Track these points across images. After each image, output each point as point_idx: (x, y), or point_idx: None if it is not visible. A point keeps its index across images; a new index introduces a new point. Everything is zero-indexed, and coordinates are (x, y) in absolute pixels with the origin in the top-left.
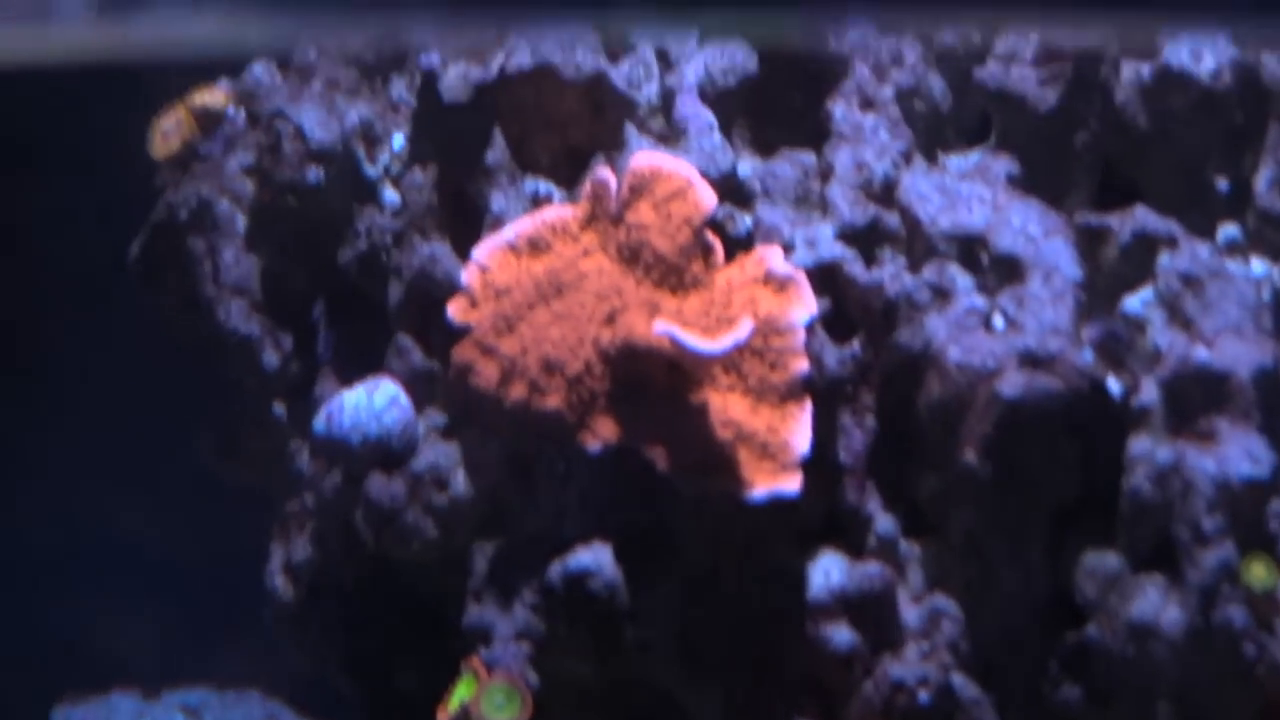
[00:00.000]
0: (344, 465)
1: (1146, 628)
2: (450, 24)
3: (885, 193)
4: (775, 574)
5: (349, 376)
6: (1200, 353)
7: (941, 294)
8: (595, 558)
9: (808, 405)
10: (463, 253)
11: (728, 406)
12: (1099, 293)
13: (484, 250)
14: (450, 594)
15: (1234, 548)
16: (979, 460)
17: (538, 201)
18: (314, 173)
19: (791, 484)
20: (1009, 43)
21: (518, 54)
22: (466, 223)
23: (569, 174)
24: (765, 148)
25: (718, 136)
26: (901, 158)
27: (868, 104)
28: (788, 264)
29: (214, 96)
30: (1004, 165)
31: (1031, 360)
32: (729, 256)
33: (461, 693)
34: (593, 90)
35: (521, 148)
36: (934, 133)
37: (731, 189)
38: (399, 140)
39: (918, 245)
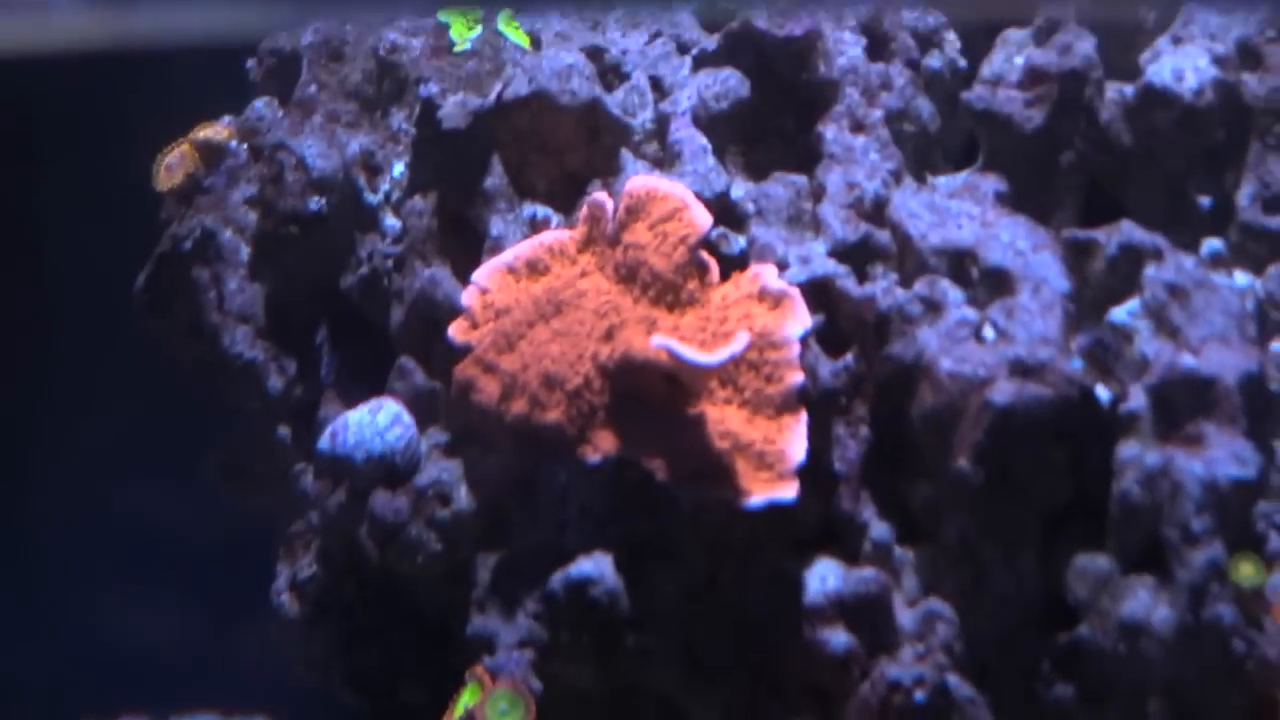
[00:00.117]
0: (348, 482)
1: (1137, 626)
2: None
3: (876, 211)
4: (773, 580)
5: (352, 398)
6: (1187, 360)
7: (933, 307)
8: (596, 566)
9: (803, 416)
10: (463, 276)
11: (725, 418)
12: (1087, 305)
13: (484, 273)
14: (454, 607)
15: (1222, 547)
16: (972, 466)
17: (536, 225)
18: (316, 202)
19: (788, 492)
20: (995, 66)
21: (515, 82)
22: (466, 247)
23: (566, 199)
24: (758, 171)
25: (711, 160)
26: (891, 177)
27: (858, 127)
28: (782, 280)
29: (217, 131)
30: (992, 184)
31: (1022, 369)
32: (724, 275)
33: (466, 700)
34: (588, 117)
35: (519, 174)
36: (923, 155)
37: (725, 210)
38: (399, 168)
39: (909, 261)
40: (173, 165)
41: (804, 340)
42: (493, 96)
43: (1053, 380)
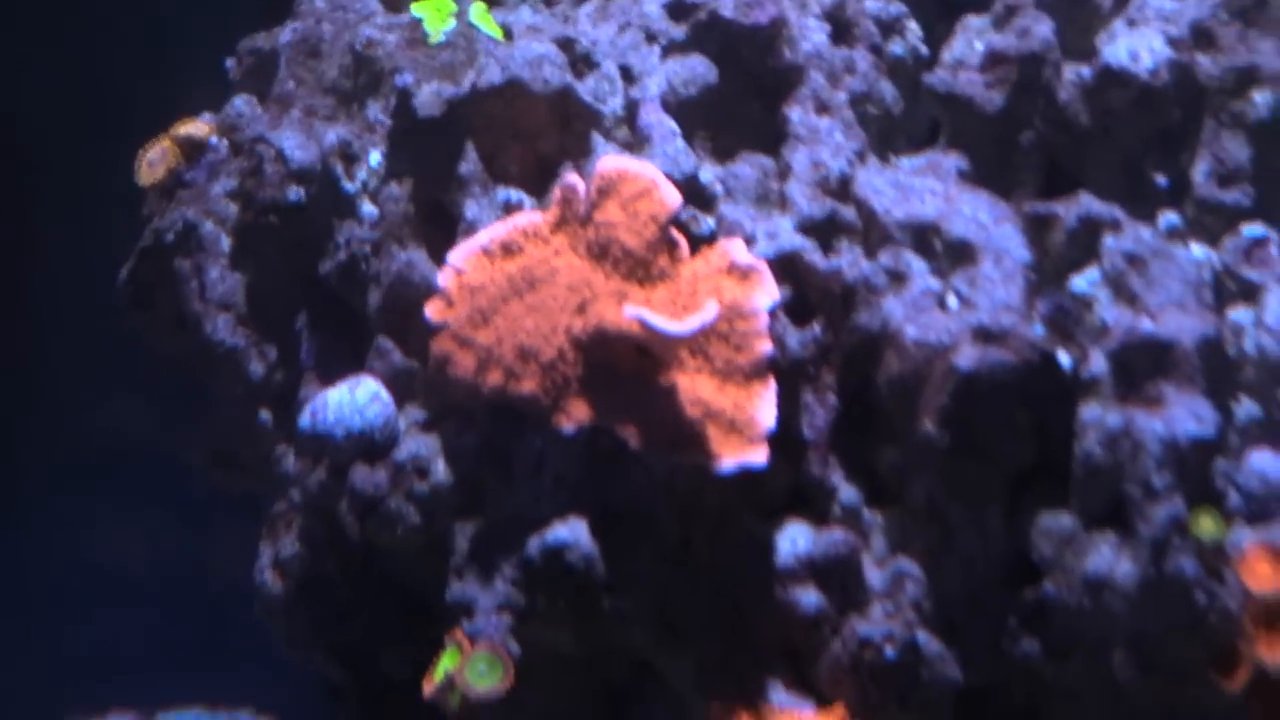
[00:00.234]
0: (328, 459)
1: (1101, 581)
2: None
3: (841, 188)
4: (745, 544)
5: (332, 381)
6: (1145, 324)
7: (897, 277)
8: (572, 532)
9: (772, 383)
10: (438, 259)
11: (696, 387)
12: (1048, 275)
13: (459, 254)
14: (434, 581)
15: (1183, 502)
16: (937, 429)
17: (510, 209)
18: (295, 192)
19: (758, 456)
20: (956, 51)
21: (488, 70)
22: (442, 232)
23: (539, 184)
24: (726, 155)
25: (680, 143)
26: (856, 156)
27: (823, 108)
28: (750, 254)
29: (197, 127)
30: (954, 161)
31: (985, 335)
32: (694, 254)
33: (445, 663)
34: (560, 103)
35: (493, 160)
36: (886, 137)
37: (694, 192)
38: (376, 157)
39: (873, 235)
40: (154, 161)
41: (772, 312)
42: (467, 85)
43: (1015, 345)
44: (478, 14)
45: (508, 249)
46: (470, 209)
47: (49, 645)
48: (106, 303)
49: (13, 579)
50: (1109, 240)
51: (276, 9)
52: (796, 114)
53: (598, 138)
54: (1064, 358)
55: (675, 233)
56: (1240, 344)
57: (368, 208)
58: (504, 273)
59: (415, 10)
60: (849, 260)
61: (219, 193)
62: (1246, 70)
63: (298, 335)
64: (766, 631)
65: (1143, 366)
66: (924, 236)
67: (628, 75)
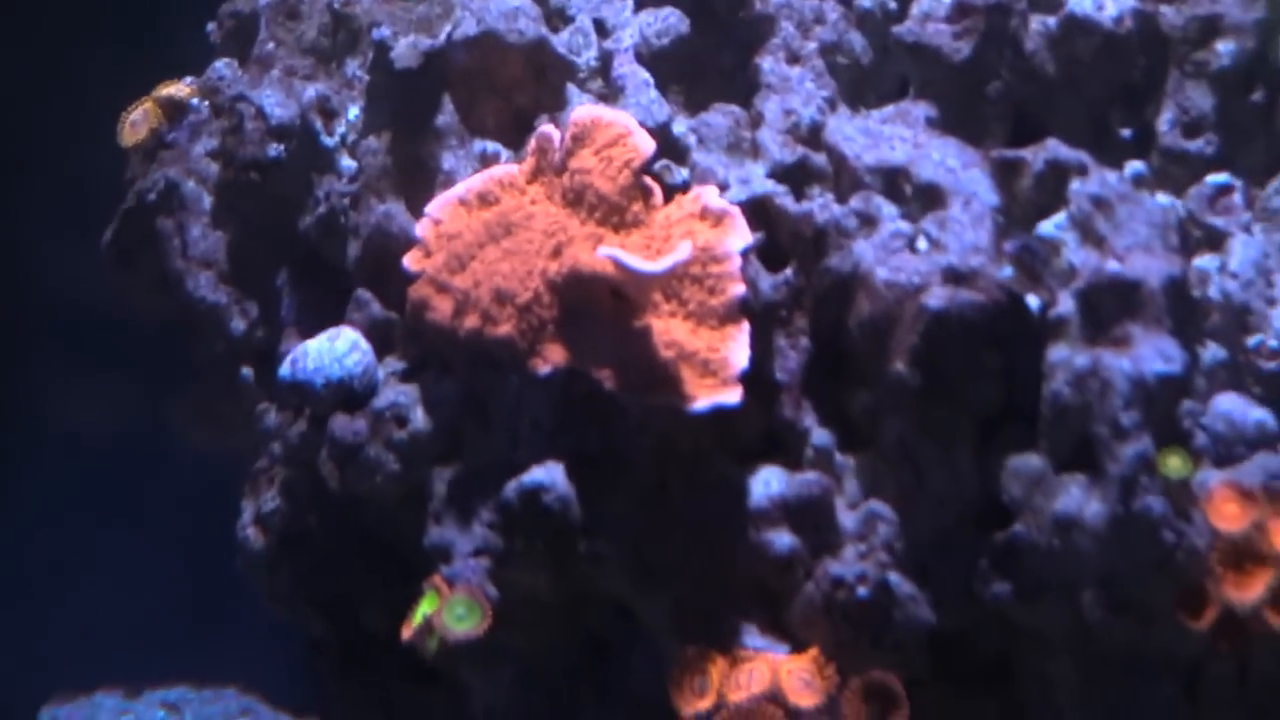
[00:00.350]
0: (309, 409)
1: (1070, 521)
2: None
3: (812, 136)
4: (719, 486)
5: (312, 336)
6: (1112, 265)
7: (868, 221)
8: (549, 474)
9: (745, 325)
10: (416, 211)
11: (670, 329)
12: (1016, 221)
13: (436, 205)
14: (413, 533)
15: (1151, 441)
16: (908, 369)
17: (486, 160)
18: (275, 148)
19: (732, 396)
20: (924, 5)
21: (464, 23)
22: (419, 184)
23: (516, 136)
24: (699, 108)
25: (654, 92)
26: (827, 104)
27: (794, 58)
28: (722, 199)
29: (179, 89)
30: (923, 109)
31: (955, 276)
32: (667, 201)
33: (424, 608)
34: (535, 55)
35: (470, 112)
36: (856, 87)
37: (668, 143)
38: (354, 112)
39: (844, 180)
40: (137, 122)
41: (745, 255)
42: (443, 37)
43: (984, 286)
44: None
45: (484, 199)
46: (447, 161)
47: (34, 622)
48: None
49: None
50: (1076, 184)
51: None
52: (768, 63)
53: (572, 89)
54: (1032, 300)
55: (649, 180)
56: (1206, 290)
57: (346, 162)
58: (481, 221)
59: None
60: (820, 204)
61: (200, 152)
62: (1209, 20)
63: (279, 291)
64: (741, 574)
65: (1110, 307)
66: (894, 181)
67: (601, 28)
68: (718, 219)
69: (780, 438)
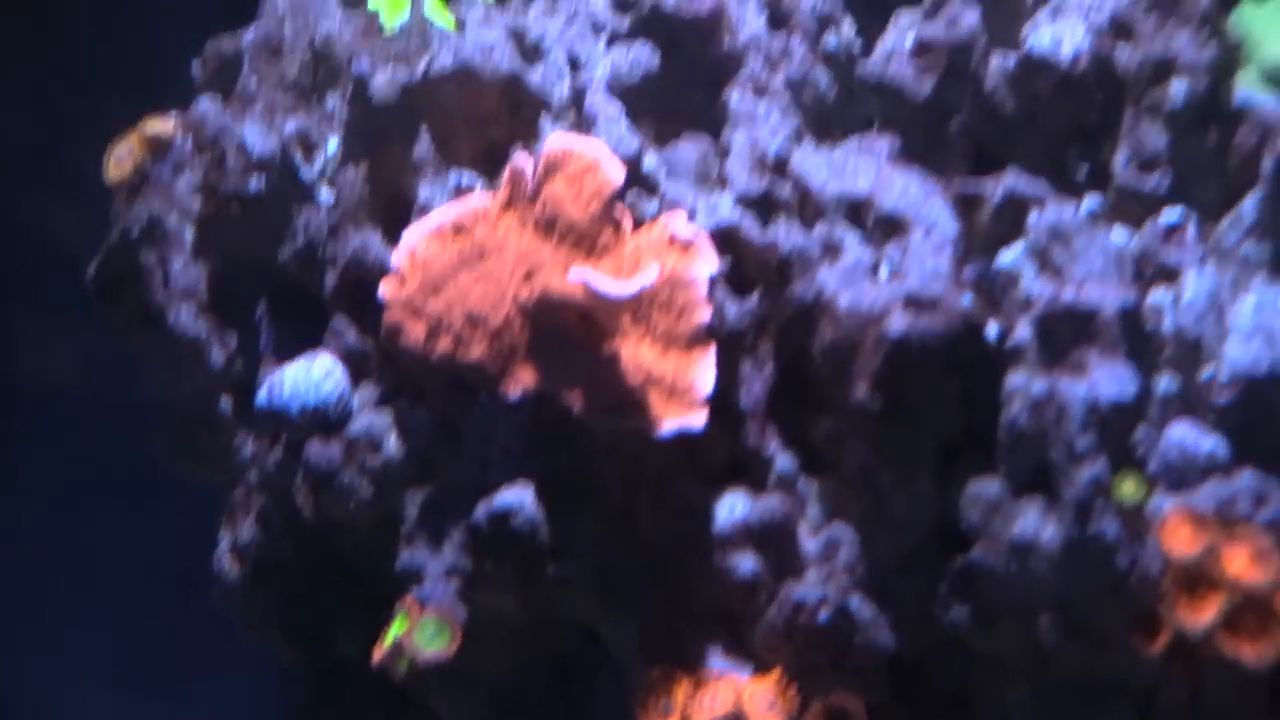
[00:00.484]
0: (284, 435)
1: (1027, 544)
2: None
3: (779, 167)
4: (685, 510)
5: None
6: (1069, 293)
7: (831, 249)
8: (518, 497)
9: (711, 350)
10: (393, 241)
11: (638, 354)
12: (976, 252)
13: (412, 234)
14: (387, 560)
15: (1106, 465)
16: (869, 394)
17: (461, 191)
18: (255, 181)
19: (697, 419)
20: (888, 44)
21: (441, 56)
22: (396, 214)
23: (490, 167)
24: (669, 137)
25: (625, 124)
26: (793, 136)
27: (761, 91)
28: (690, 227)
29: (164, 125)
30: (886, 143)
31: (915, 303)
32: (637, 230)
33: (395, 629)
34: (510, 89)
35: (446, 144)
36: (822, 122)
37: (638, 173)
38: (333, 144)
39: (809, 209)
40: (121, 157)
41: (712, 282)
42: (420, 70)
43: (944, 312)
44: (431, 6)
45: (459, 228)
46: (424, 191)
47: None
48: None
49: None
50: (1034, 216)
51: (240, 13)
52: (736, 97)
53: (546, 122)
54: (991, 327)
55: (619, 208)
56: (1160, 323)
57: (325, 193)
58: (455, 248)
59: (372, 4)
60: (785, 233)
61: (184, 187)
62: (1163, 60)
63: (258, 323)
64: (706, 596)
65: (1066, 334)
66: (857, 210)
67: (575, 64)
68: (685, 246)
69: (745, 463)
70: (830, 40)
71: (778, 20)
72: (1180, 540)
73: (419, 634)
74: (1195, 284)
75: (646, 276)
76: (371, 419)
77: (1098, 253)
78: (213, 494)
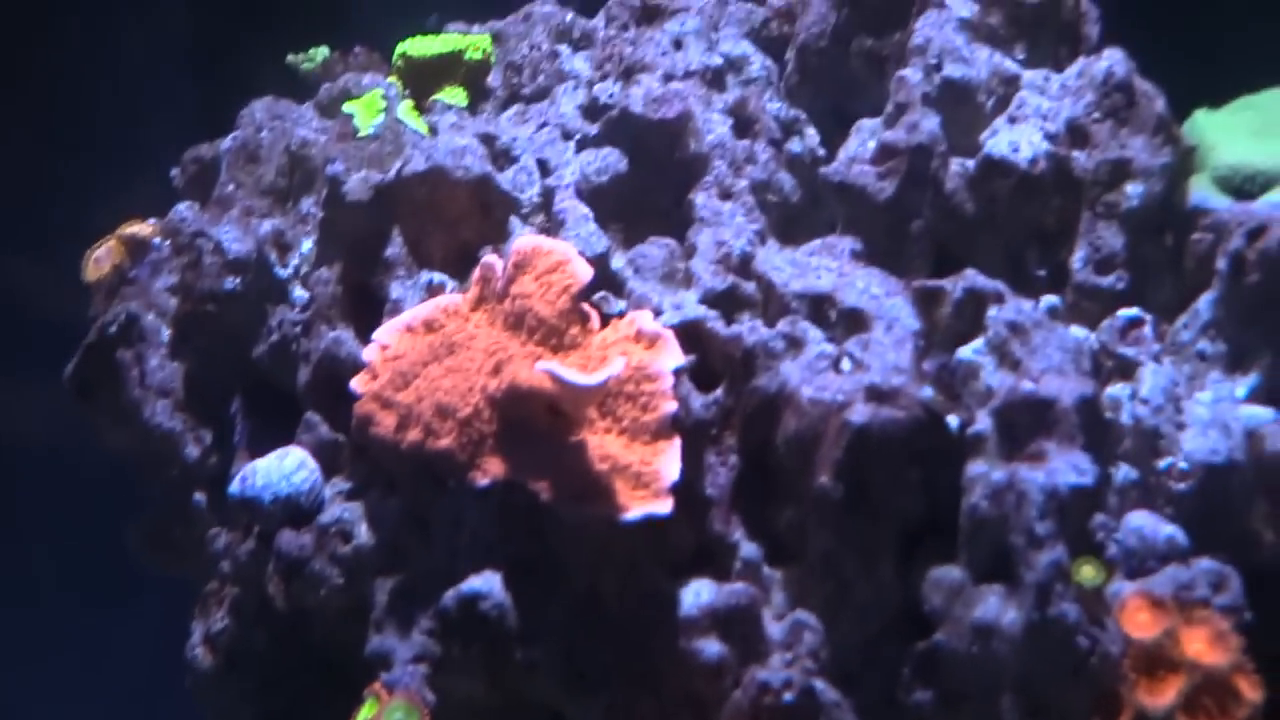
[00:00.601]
0: (257, 525)
1: (988, 628)
2: None
3: (743, 266)
4: (651, 596)
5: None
6: (1027, 385)
7: (794, 343)
8: (486, 583)
9: (676, 440)
10: (365, 338)
11: (604, 444)
12: (936, 345)
13: (384, 331)
14: (357, 646)
15: (1065, 550)
16: (832, 483)
17: (433, 290)
18: (231, 281)
19: (663, 506)
20: (850, 150)
21: (414, 159)
22: (368, 312)
23: (461, 267)
24: (637, 238)
25: (593, 225)
26: (757, 237)
27: (726, 194)
28: (656, 323)
29: (142, 227)
30: (849, 243)
31: (877, 394)
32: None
33: (364, 714)
34: (481, 191)
35: (418, 244)
36: (785, 224)
37: (605, 273)
38: (307, 245)
39: (772, 306)
40: (100, 259)
41: (677, 375)
42: (393, 172)
43: (905, 403)
44: (405, 111)
45: (430, 325)
46: (395, 290)
47: None
48: None
49: None
50: (993, 311)
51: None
52: (701, 198)
53: (516, 223)
54: (952, 419)
55: (587, 305)
56: (1118, 416)
57: (299, 292)
58: (426, 343)
59: (346, 108)
60: (749, 327)
61: (161, 287)
62: (1119, 163)
63: (232, 419)
64: (672, 681)
65: (1025, 424)
66: (820, 306)
67: (544, 167)
68: (651, 340)
69: (711, 551)
70: (794, 145)
71: (742, 126)
72: (1140, 623)
73: (387, 717)
74: (1152, 378)
75: (612, 368)
76: (343, 509)
77: (1056, 347)
78: (187, 586)
